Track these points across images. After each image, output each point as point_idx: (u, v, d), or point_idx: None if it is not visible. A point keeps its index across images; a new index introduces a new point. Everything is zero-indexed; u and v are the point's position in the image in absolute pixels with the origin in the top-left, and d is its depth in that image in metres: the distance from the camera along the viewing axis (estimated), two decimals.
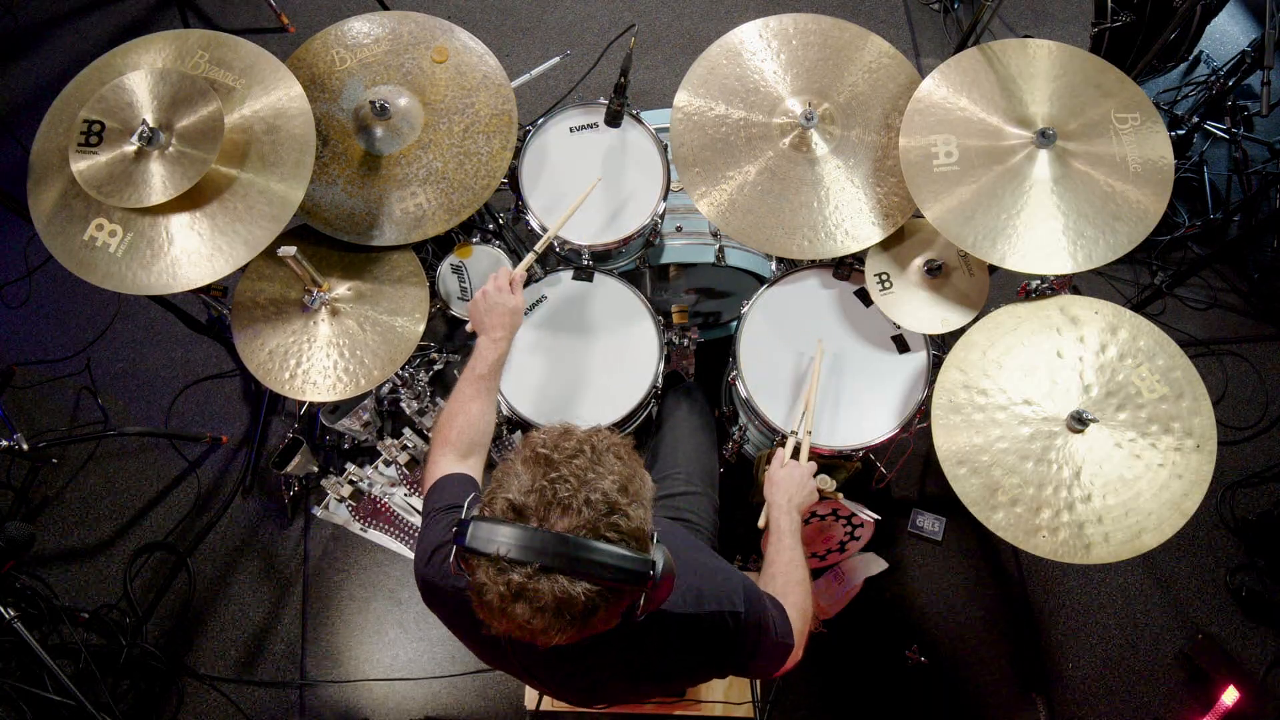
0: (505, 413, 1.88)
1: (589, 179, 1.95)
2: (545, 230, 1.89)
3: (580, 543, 0.90)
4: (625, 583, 0.92)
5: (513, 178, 1.93)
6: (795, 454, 1.72)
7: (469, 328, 1.80)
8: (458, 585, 1.19)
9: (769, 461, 1.93)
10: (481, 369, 1.47)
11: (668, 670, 1.21)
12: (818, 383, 1.81)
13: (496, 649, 1.21)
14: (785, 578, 1.41)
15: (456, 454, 1.37)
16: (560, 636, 0.92)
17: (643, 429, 2.04)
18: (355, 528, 2.51)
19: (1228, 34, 3.19)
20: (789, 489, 1.58)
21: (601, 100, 1.93)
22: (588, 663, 1.16)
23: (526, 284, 1.97)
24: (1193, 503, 1.53)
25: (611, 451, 0.98)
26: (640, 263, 2.06)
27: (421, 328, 1.79)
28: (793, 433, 1.77)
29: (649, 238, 2.02)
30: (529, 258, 1.69)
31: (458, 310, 1.96)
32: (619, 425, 1.88)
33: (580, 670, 1.19)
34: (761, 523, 1.59)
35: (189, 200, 1.58)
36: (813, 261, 1.97)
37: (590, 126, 1.98)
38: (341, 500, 2.45)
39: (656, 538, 0.99)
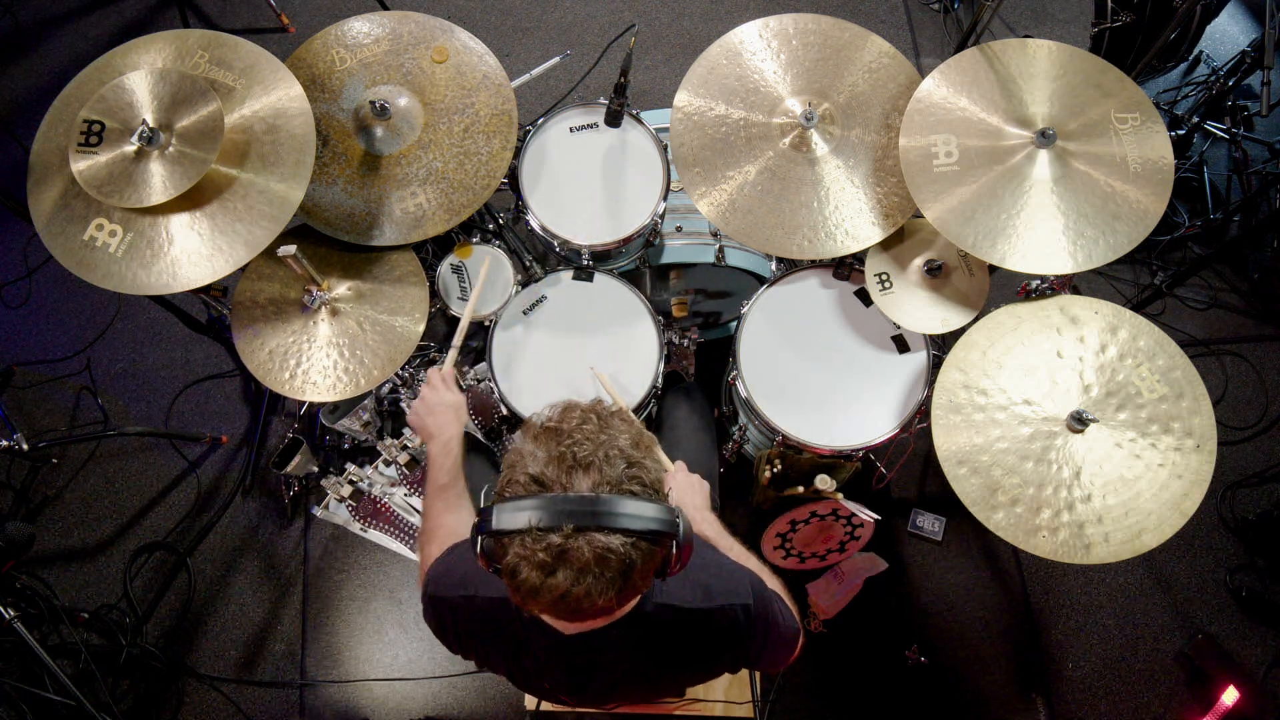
0: (505, 412, 1.89)
1: (589, 179, 1.95)
2: (552, 235, 1.90)
3: (607, 498, 0.91)
4: (659, 529, 0.93)
5: (513, 178, 1.93)
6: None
7: (416, 441, 1.80)
8: (466, 594, 1.19)
9: (769, 462, 1.94)
10: (442, 479, 1.45)
11: (683, 666, 1.21)
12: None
13: (503, 659, 1.21)
14: (750, 565, 1.39)
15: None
16: (604, 599, 0.92)
17: None
18: (355, 528, 2.50)
19: (1228, 34, 3.19)
20: (687, 498, 1.53)
21: (601, 100, 1.93)
22: (605, 659, 1.17)
23: (525, 284, 1.97)
24: (1193, 503, 1.53)
25: (615, 415, 1.00)
26: (640, 263, 2.06)
27: (421, 328, 1.79)
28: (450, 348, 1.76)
29: (649, 238, 2.02)
30: (451, 354, 1.72)
31: (457, 310, 1.96)
32: None
33: (598, 668, 1.19)
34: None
35: (189, 200, 1.58)
36: (813, 261, 1.97)
37: (590, 126, 1.98)
38: (341, 500, 2.44)
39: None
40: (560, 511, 0.90)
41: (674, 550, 0.97)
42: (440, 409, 1.54)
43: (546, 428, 0.97)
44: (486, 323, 1.96)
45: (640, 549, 0.92)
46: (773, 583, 1.36)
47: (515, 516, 0.91)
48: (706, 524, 1.47)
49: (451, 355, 1.72)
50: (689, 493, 1.53)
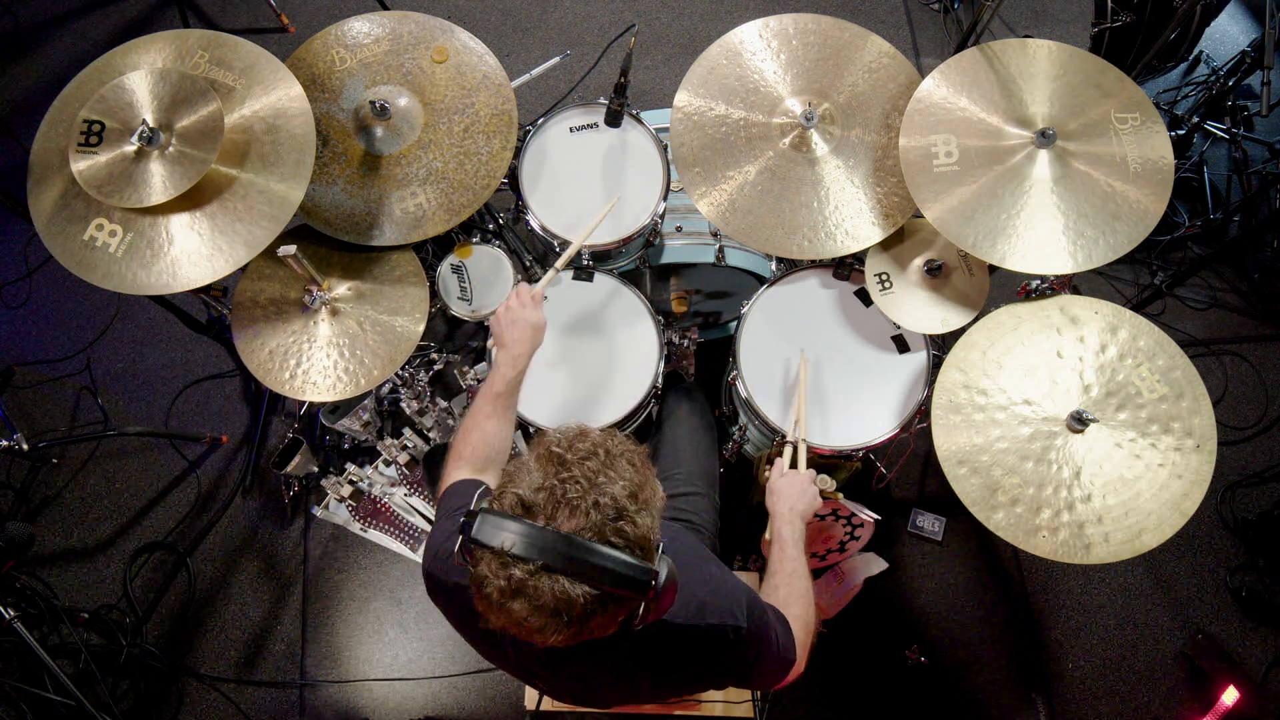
0: None
1: (589, 179, 1.95)
2: (552, 234, 1.90)
3: (584, 545, 0.90)
4: (626, 589, 0.92)
5: (513, 178, 1.93)
6: (794, 463, 1.72)
7: (490, 343, 1.78)
8: (460, 582, 1.19)
9: (769, 462, 1.93)
10: (499, 386, 1.45)
11: (665, 680, 1.20)
12: (805, 392, 1.81)
13: (496, 646, 1.21)
14: (789, 589, 1.41)
15: (471, 469, 1.36)
16: (556, 637, 0.92)
17: (643, 429, 2.04)
18: (355, 528, 2.51)
19: (1228, 34, 3.20)
20: (790, 498, 1.57)
21: (601, 100, 1.93)
22: (585, 667, 1.16)
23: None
24: (1193, 503, 1.53)
25: (625, 457, 0.98)
26: (640, 263, 2.06)
27: (421, 327, 1.79)
28: (790, 442, 1.78)
29: (649, 238, 2.02)
30: (550, 274, 1.67)
31: (457, 310, 1.97)
32: (619, 425, 1.88)
33: (577, 674, 1.19)
34: (766, 535, 1.59)
35: (189, 200, 1.58)
36: (813, 261, 1.97)
37: (590, 126, 1.98)
38: (341, 500, 2.45)
39: (662, 548, 0.99)
40: (534, 545, 0.89)
41: (641, 608, 0.95)
42: (521, 324, 1.51)
43: (552, 451, 0.96)
44: (486, 323, 1.96)
45: (604, 602, 0.91)
46: (801, 608, 1.36)
47: (494, 533, 0.90)
48: (788, 526, 1.51)
49: (550, 275, 1.66)
50: (792, 494, 1.57)
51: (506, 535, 0.90)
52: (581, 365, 1.91)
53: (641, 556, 0.94)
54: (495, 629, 0.95)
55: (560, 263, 1.71)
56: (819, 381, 1.89)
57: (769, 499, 1.61)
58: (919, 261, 1.82)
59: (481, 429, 1.40)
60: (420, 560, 2.46)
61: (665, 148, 1.94)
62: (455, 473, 1.35)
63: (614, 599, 0.92)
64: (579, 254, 1.93)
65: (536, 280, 1.69)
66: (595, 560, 0.90)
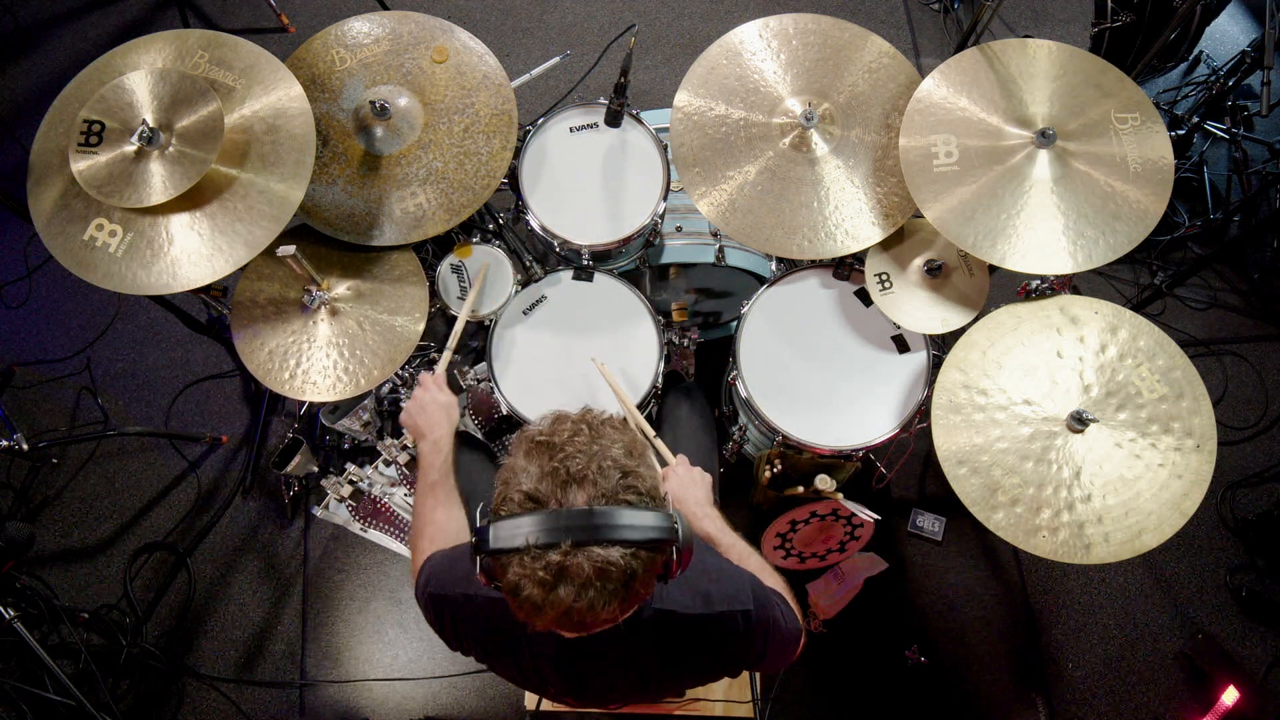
0: (505, 411, 1.89)
1: (589, 179, 1.95)
2: (552, 234, 1.90)
3: (604, 511, 0.91)
4: (656, 539, 0.93)
5: (513, 178, 1.93)
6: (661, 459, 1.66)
7: (407, 440, 1.80)
8: (468, 592, 1.19)
9: (769, 462, 1.94)
10: (433, 476, 1.47)
11: (682, 672, 1.21)
12: (617, 385, 1.81)
13: (507, 655, 1.21)
14: (749, 565, 1.38)
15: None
16: (607, 610, 0.92)
17: None
18: (355, 528, 2.50)
19: (1228, 34, 3.20)
20: (689, 493, 1.51)
21: (601, 100, 1.93)
22: (603, 663, 1.17)
23: (525, 284, 1.97)
24: (1193, 503, 1.53)
25: (606, 424, 1.00)
26: (640, 263, 2.06)
27: (421, 327, 1.78)
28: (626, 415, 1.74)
29: (649, 238, 2.02)
30: (446, 355, 1.72)
31: (457, 310, 1.96)
32: None
33: (590, 672, 1.19)
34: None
35: (189, 200, 1.58)
36: (813, 261, 1.97)
37: (590, 126, 1.98)
38: (341, 500, 2.44)
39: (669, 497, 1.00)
40: (557, 528, 0.89)
41: (674, 555, 0.97)
42: (432, 407, 1.55)
43: (538, 442, 0.97)
44: (486, 323, 1.96)
45: (640, 558, 0.92)
46: (773, 581, 1.35)
47: (513, 535, 0.91)
48: (708, 520, 1.47)
49: (446, 357, 1.72)
50: (690, 487, 1.53)
51: (526, 532, 0.90)
52: (581, 365, 1.91)
53: (658, 506, 0.96)
54: (540, 631, 0.95)
55: (452, 340, 1.75)
56: (819, 381, 1.89)
57: (675, 505, 1.52)
58: (919, 261, 1.82)
59: (433, 522, 1.41)
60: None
61: (665, 148, 1.94)
62: (423, 556, 1.35)
63: (649, 549, 0.93)
64: (579, 254, 1.93)
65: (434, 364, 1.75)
66: (619, 520, 0.91)
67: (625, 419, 1.03)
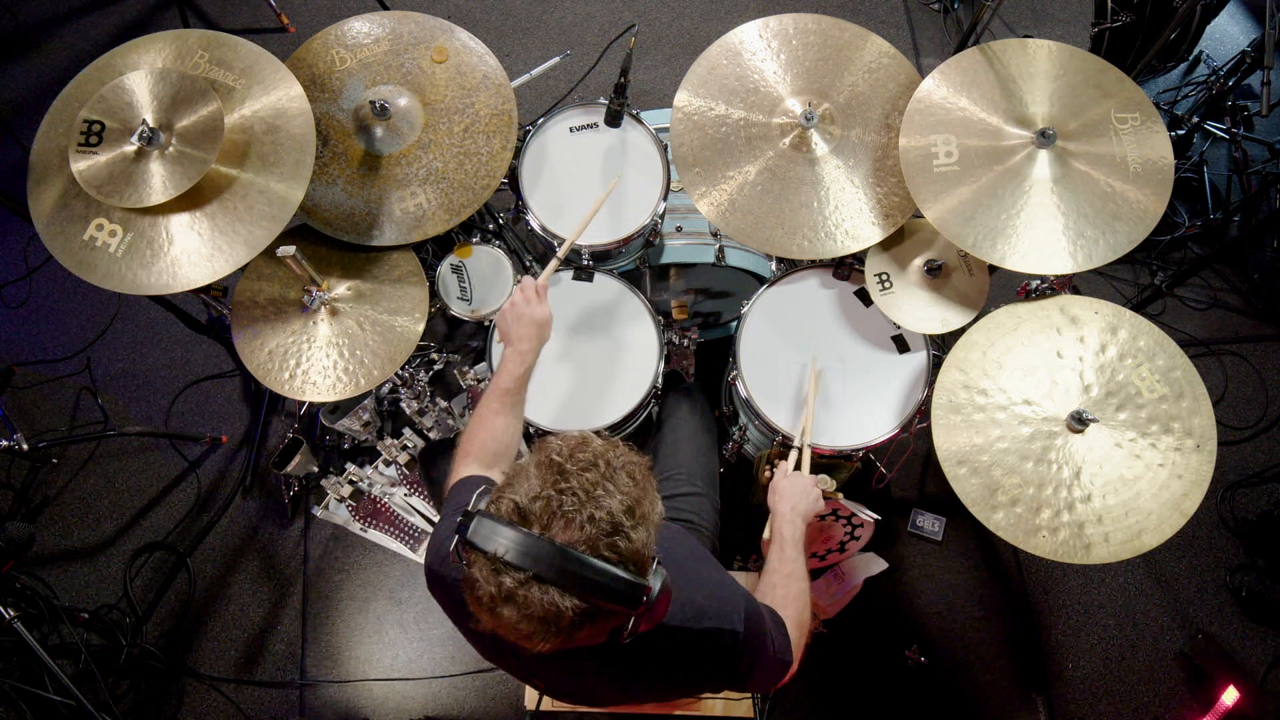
0: None
1: (589, 179, 1.95)
2: (552, 235, 1.90)
3: (577, 557, 0.90)
4: (616, 604, 0.92)
5: (513, 178, 1.93)
6: (797, 466, 1.72)
7: (496, 339, 1.78)
8: (459, 578, 1.19)
9: (769, 462, 1.94)
10: (506, 383, 1.44)
11: (660, 683, 1.20)
12: (814, 401, 1.82)
13: (495, 645, 1.21)
14: (785, 590, 1.41)
15: (479, 465, 1.35)
16: (544, 644, 0.92)
17: (643, 429, 2.04)
18: (355, 528, 2.51)
19: (1228, 34, 3.19)
20: (793, 497, 1.57)
21: (601, 100, 1.93)
22: (579, 669, 1.17)
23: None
24: (1193, 503, 1.53)
25: (625, 470, 0.97)
26: (640, 263, 2.06)
27: (421, 327, 1.79)
28: (795, 447, 1.78)
29: (649, 238, 2.02)
30: (552, 264, 1.65)
31: (457, 310, 1.97)
32: (619, 425, 1.88)
33: (572, 675, 1.19)
34: (766, 534, 1.59)
35: (189, 200, 1.58)
36: (813, 261, 1.97)
37: (590, 126, 1.98)
38: (341, 500, 2.45)
39: (658, 561, 0.98)
40: (527, 554, 0.89)
41: (630, 623, 0.96)
42: (526, 320, 1.49)
43: (553, 459, 0.95)
44: (486, 323, 1.96)
45: (592, 615, 0.91)
46: (792, 610, 1.36)
47: (489, 538, 0.91)
48: (789, 527, 1.52)
49: (552, 265, 1.64)
50: (796, 494, 1.58)
51: (500, 542, 0.90)
52: (581, 365, 1.91)
53: (635, 572, 0.93)
54: (485, 630, 0.96)
55: (562, 250, 1.69)
56: (818, 381, 1.89)
57: (771, 498, 1.61)
58: (919, 261, 1.82)
59: (489, 425, 1.40)
60: (421, 560, 2.46)
61: (665, 148, 1.94)
62: (462, 468, 1.34)
63: (603, 612, 0.92)
64: (579, 254, 1.93)
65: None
66: (587, 574, 0.90)
67: (651, 466, 1.01)
